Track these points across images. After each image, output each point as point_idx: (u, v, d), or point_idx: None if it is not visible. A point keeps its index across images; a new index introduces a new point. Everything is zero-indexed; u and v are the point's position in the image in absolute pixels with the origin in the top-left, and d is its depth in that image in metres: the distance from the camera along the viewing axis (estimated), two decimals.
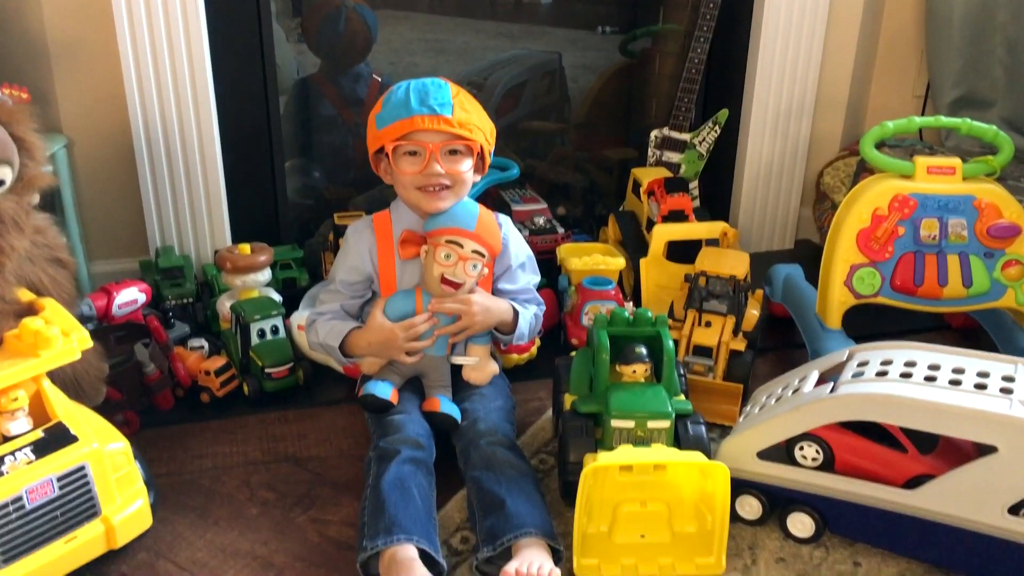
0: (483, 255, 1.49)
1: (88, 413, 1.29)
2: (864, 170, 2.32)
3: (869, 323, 1.82)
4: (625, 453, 1.28)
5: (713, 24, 2.22)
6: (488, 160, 1.55)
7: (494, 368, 1.58)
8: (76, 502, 1.20)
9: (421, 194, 1.49)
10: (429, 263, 1.48)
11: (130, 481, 1.27)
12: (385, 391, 1.47)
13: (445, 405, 1.48)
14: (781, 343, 1.94)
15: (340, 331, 1.53)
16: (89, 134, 1.98)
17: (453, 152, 1.48)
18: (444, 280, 1.47)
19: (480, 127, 1.49)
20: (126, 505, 1.25)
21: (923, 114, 2.53)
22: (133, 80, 1.90)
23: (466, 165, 1.49)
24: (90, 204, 2.03)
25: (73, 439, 1.20)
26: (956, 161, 1.71)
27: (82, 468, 1.19)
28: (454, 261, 1.46)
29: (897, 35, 2.46)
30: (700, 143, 2.30)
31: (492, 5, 2.59)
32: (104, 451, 1.22)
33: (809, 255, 2.41)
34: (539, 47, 2.58)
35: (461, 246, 1.46)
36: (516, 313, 1.56)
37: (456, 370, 1.56)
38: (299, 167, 2.40)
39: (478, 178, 1.56)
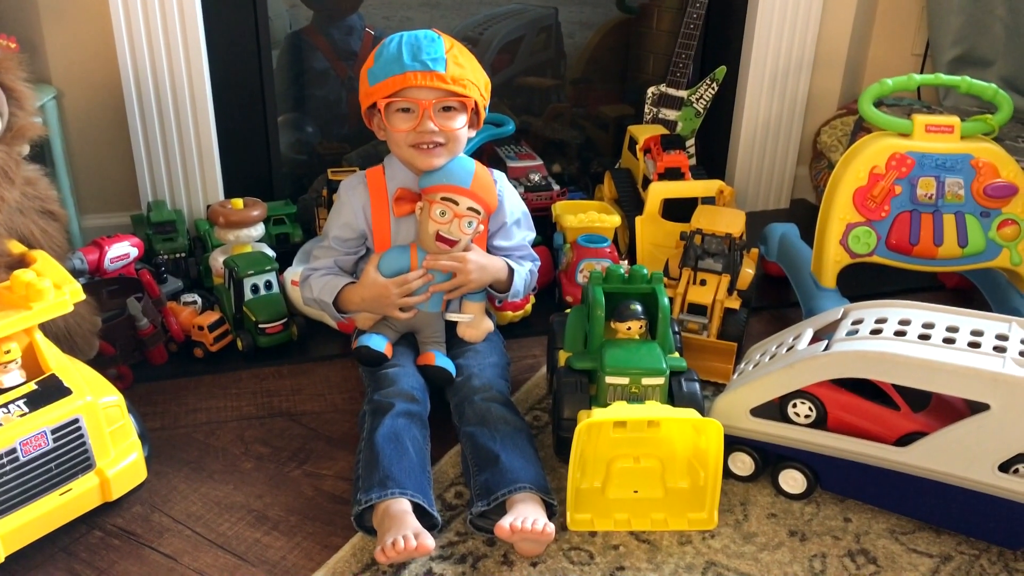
0: (478, 212, 1.48)
1: (81, 366, 1.29)
2: (861, 129, 2.30)
3: (863, 282, 1.82)
4: (619, 409, 1.29)
5: None
6: (483, 115, 1.53)
7: (489, 325, 1.58)
8: (70, 455, 1.19)
9: (415, 151, 1.46)
10: (424, 220, 1.47)
11: (124, 434, 1.27)
12: (379, 344, 1.47)
13: (440, 359, 1.48)
14: (775, 302, 1.95)
15: (334, 287, 1.52)
16: (79, 85, 1.95)
17: (447, 108, 1.45)
18: (439, 237, 1.46)
19: (474, 82, 1.46)
20: (121, 458, 1.25)
21: (922, 73, 2.51)
22: (123, 30, 1.86)
23: (460, 122, 1.47)
24: (81, 157, 2.01)
25: (67, 392, 1.20)
26: (954, 120, 1.70)
27: (76, 421, 1.19)
28: (449, 218, 1.45)
29: None
30: (697, 100, 2.28)
31: None
32: (98, 404, 1.22)
33: (805, 214, 2.41)
34: (535, 1, 2.54)
35: (456, 203, 1.45)
36: (511, 270, 1.55)
37: (450, 326, 1.56)
38: (292, 122, 2.37)
39: (473, 133, 1.54)
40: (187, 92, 1.95)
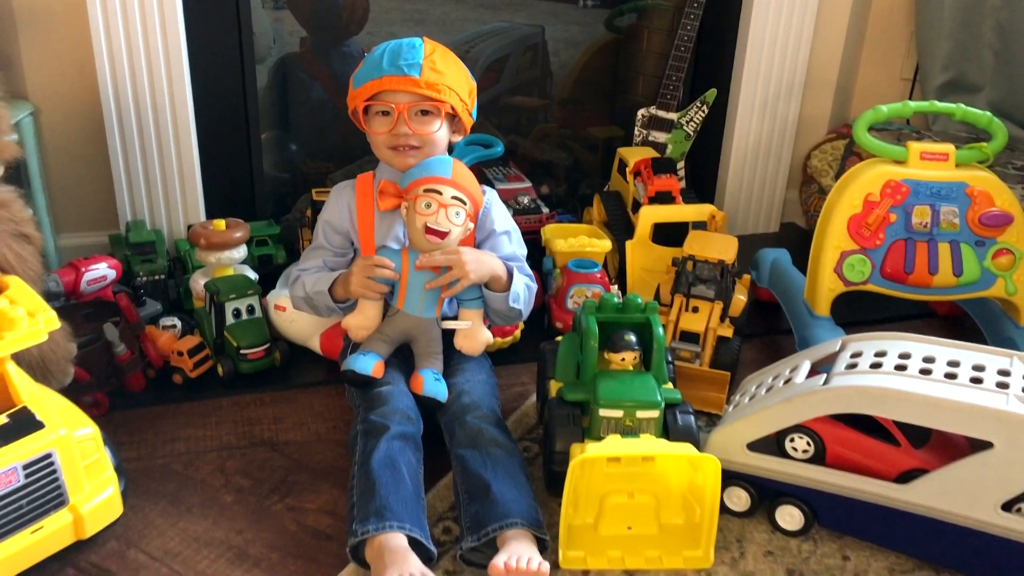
0: (464, 202, 1.45)
1: (55, 397, 1.24)
2: (852, 154, 2.30)
3: (855, 310, 1.79)
4: (614, 444, 1.25)
5: (703, 1, 2.17)
6: (468, 120, 1.54)
7: (487, 337, 1.52)
8: (43, 491, 1.14)
9: (392, 153, 1.50)
10: (411, 218, 1.44)
11: (99, 468, 1.21)
12: (366, 365, 1.42)
13: (428, 386, 1.43)
14: (767, 329, 1.92)
15: (327, 279, 1.52)
16: (57, 101, 1.90)
17: (423, 112, 1.48)
18: (428, 230, 1.42)
19: (452, 87, 1.48)
20: (95, 493, 1.20)
21: (911, 97, 2.51)
22: (103, 45, 1.82)
23: (435, 126, 1.49)
24: (57, 175, 1.96)
25: (39, 425, 1.14)
26: (949, 147, 1.68)
27: (49, 456, 1.14)
28: (435, 209, 1.42)
29: (886, 16, 2.43)
30: (687, 123, 2.26)
31: None
32: (72, 437, 1.17)
33: (795, 238, 2.40)
34: (521, 19, 2.53)
35: (440, 193, 1.43)
36: (510, 272, 1.51)
37: (448, 340, 1.51)
38: (276, 140, 2.33)
39: (458, 138, 1.57)
40: (168, 109, 1.91)
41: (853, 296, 1.73)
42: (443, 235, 1.43)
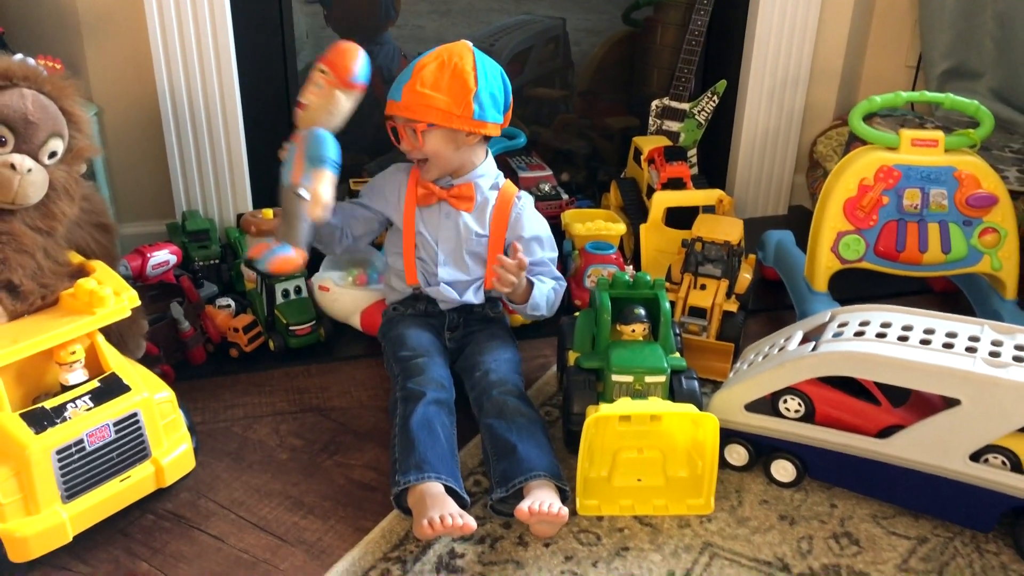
0: (323, 71, 1.52)
1: (136, 365, 1.41)
2: (855, 139, 2.41)
3: (855, 286, 1.93)
4: (624, 405, 1.41)
5: None
6: (473, 126, 1.62)
7: (328, 201, 1.52)
8: (130, 445, 1.32)
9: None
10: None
11: (175, 427, 1.39)
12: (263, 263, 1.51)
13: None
14: (772, 304, 2.06)
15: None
16: (118, 102, 2.06)
17: (415, 130, 1.62)
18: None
19: (432, 104, 1.59)
20: (172, 448, 1.38)
21: (914, 85, 2.62)
22: (160, 50, 1.98)
23: (430, 139, 1.62)
24: (119, 169, 2.12)
25: (126, 388, 1.32)
26: (939, 134, 1.81)
27: (135, 415, 1.32)
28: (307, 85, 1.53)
29: (891, 6, 2.54)
30: (699, 113, 2.39)
31: None
32: (153, 399, 1.34)
33: (802, 220, 2.49)
34: (543, 8, 2.62)
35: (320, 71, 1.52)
36: (531, 284, 1.65)
37: (469, 319, 1.66)
38: None
39: (472, 140, 1.66)
40: (219, 107, 2.07)
41: (853, 273, 1.86)
42: (302, 107, 1.53)
